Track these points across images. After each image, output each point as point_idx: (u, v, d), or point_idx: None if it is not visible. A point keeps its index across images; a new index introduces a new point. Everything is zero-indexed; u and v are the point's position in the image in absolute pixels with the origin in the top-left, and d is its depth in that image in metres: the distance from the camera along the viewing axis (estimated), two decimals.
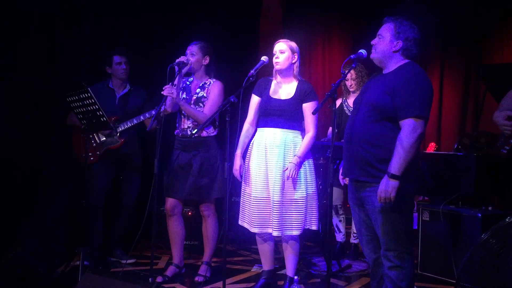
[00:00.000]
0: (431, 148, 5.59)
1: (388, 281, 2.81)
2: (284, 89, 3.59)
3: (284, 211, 3.45)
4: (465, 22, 6.24)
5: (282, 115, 3.51)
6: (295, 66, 3.57)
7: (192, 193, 3.82)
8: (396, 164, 2.64)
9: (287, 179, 3.43)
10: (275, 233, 3.47)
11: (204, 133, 3.83)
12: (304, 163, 3.51)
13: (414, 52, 2.81)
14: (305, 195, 3.49)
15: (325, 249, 4.44)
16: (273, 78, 3.65)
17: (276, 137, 3.50)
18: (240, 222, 3.67)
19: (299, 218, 3.48)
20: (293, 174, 3.41)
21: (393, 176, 2.64)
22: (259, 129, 3.62)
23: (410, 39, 2.78)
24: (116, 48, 4.36)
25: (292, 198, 3.47)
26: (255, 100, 3.65)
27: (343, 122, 4.50)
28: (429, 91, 2.75)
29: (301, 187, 3.48)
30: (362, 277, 4.12)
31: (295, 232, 3.49)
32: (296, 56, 3.56)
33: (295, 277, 3.37)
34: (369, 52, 2.91)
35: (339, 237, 4.64)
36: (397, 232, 2.75)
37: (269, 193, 3.48)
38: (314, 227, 3.56)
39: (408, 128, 2.65)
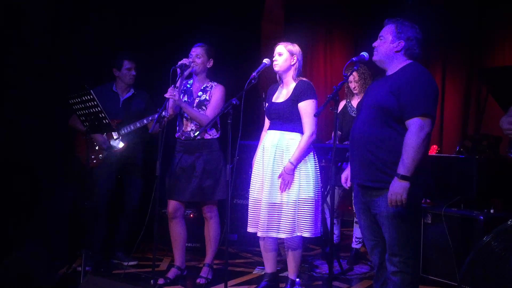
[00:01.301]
0: (433, 150, 5.58)
1: (392, 286, 2.79)
2: (284, 92, 3.60)
3: (271, 213, 3.43)
4: (467, 24, 6.24)
5: (279, 118, 3.52)
6: (293, 68, 3.56)
7: (196, 195, 3.83)
8: (405, 165, 2.59)
9: (282, 190, 3.41)
10: (259, 234, 3.46)
11: (207, 136, 3.84)
12: (299, 166, 3.45)
13: (417, 51, 2.80)
14: (295, 200, 3.43)
15: (325, 252, 4.44)
16: (280, 83, 3.67)
17: (273, 139, 3.51)
18: None
19: (288, 222, 3.42)
20: (286, 185, 3.39)
21: (403, 177, 2.59)
22: (266, 133, 3.65)
23: (412, 38, 2.77)
24: (127, 52, 4.35)
25: (282, 201, 3.43)
26: (266, 107, 3.70)
27: (347, 124, 4.50)
28: (434, 90, 2.72)
29: (292, 191, 3.43)
30: (364, 279, 4.11)
31: (282, 235, 3.45)
32: (295, 58, 3.55)
33: (297, 280, 3.37)
34: (371, 55, 2.91)
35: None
36: (403, 237, 2.72)
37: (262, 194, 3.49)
38: (306, 234, 3.45)
39: (415, 127, 2.61)
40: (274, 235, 3.45)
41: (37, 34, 4.20)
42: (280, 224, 3.43)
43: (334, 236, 4.62)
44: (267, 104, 3.69)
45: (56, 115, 4.25)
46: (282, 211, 3.43)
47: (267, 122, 3.71)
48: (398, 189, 2.60)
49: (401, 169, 2.61)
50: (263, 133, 3.73)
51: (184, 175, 3.85)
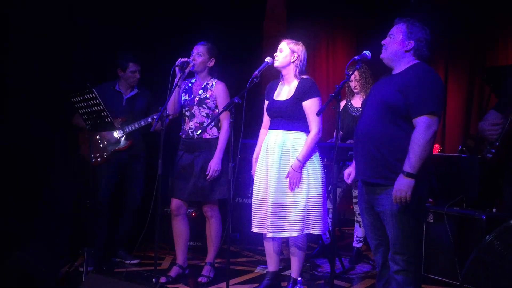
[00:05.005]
0: (435, 149, 5.57)
1: (394, 284, 2.79)
2: (286, 90, 3.59)
3: (280, 213, 3.43)
4: (469, 24, 6.22)
5: (282, 116, 3.51)
6: (293, 65, 3.54)
7: (193, 194, 3.82)
8: (412, 163, 2.61)
9: (291, 188, 3.41)
10: (269, 234, 3.46)
11: (206, 135, 3.83)
12: (306, 164, 3.46)
13: (425, 53, 2.81)
14: (304, 198, 3.44)
15: (327, 251, 4.44)
16: (280, 80, 3.65)
17: (277, 139, 3.50)
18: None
19: (298, 220, 3.43)
20: (295, 183, 3.40)
21: (408, 175, 2.61)
22: (268, 132, 3.64)
23: (422, 40, 2.79)
24: (133, 54, 4.34)
25: (291, 200, 3.44)
26: (265, 104, 3.68)
27: (348, 123, 4.50)
28: (442, 89, 2.76)
29: (302, 189, 3.44)
30: (366, 278, 4.11)
31: (294, 234, 3.46)
32: (296, 55, 3.53)
33: (299, 279, 3.37)
34: (377, 53, 2.90)
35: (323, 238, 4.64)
36: (407, 236, 2.73)
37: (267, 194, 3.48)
38: (315, 231, 3.49)
39: (423, 125, 2.63)
40: (286, 234, 3.46)
41: (39, 31, 4.20)
42: (290, 223, 3.43)
43: (324, 237, 4.63)
44: (267, 101, 3.67)
45: (59, 113, 4.26)
46: (291, 210, 3.43)
47: (266, 120, 3.69)
48: (403, 186, 2.62)
49: (407, 167, 2.62)
50: (263, 130, 3.72)
51: (183, 174, 3.85)
